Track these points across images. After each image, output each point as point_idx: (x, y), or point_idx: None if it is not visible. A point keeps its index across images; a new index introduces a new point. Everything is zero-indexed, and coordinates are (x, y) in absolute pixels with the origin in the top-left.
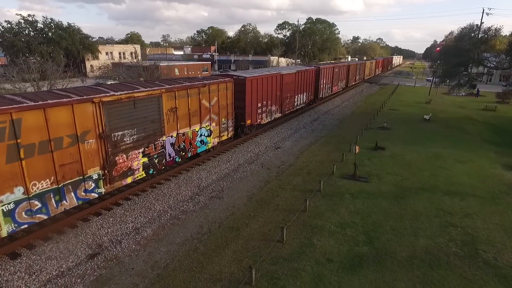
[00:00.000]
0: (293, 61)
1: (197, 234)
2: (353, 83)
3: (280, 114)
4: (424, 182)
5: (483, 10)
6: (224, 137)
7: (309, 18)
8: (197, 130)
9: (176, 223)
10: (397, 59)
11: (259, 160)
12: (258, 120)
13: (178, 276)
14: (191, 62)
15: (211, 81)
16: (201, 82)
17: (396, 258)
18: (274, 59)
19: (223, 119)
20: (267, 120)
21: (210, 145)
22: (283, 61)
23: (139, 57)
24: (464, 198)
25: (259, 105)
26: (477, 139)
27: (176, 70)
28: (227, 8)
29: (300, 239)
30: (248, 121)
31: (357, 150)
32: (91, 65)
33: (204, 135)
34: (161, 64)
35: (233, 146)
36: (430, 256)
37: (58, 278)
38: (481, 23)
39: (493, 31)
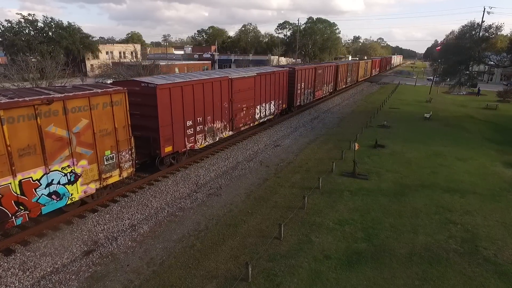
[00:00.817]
0: (294, 60)
1: (194, 231)
2: (344, 86)
3: (230, 132)
4: (424, 179)
5: (484, 9)
6: (113, 179)
7: (310, 18)
8: (36, 177)
9: (173, 220)
10: (396, 59)
11: (258, 157)
12: (189, 145)
13: (173, 273)
14: (191, 62)
15: (75, 93)
16: (41, 97)
17: (395, 255)
18: (274, 58)
19: (106, 152)
20: (206, 143)
21: (76, 196)
22: (283, 60)
23: (139, 57)
24: (464, 195)
25: (189, 123)
26: (477, 137)
27: (176, 70)
28: (227, 8)
29: (298, 236)
30: (168, 148)
31: (356, 148)
32: (91, 65)
33: (58, 183)
34: (161, 63)
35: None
36: (430, 253)
37: (53, 275)
38: (482, 21)
39: (494, 29)
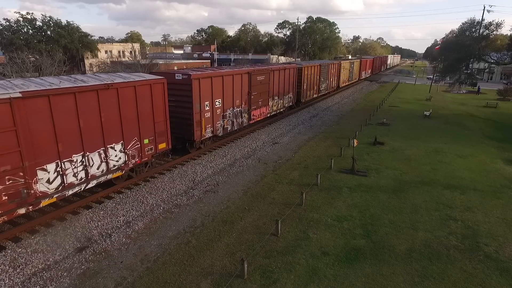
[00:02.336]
0: (293, 59)
1: (189, 227)
2: (315, 96)
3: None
4: (423, 176)
5: (484, 7)
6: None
7: (309, 17)
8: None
9: (168, 216)
10: (394, 59)
11: (256, 155)
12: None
13: (168, 270)
14: (190, 61)
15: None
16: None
17: (394, 251)
18: (274, 57)
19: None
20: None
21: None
22: (283, 59)
23: (139, 56)
24: (464, 192)
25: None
26: (478, 134)
27: (175, 68)
28: (227, 8)
29: (296, 232)
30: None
31: (355, 144)
32: (90, 64)
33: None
34: (160, 62)
35: (229, 141)
36: (430, 250)
37: (44, 272)
38: (482, 19)
39: (495, 26)
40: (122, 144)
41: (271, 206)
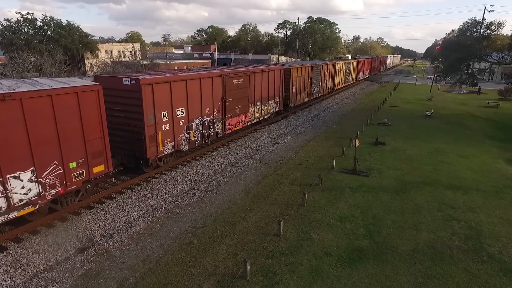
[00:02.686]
0: (294, 59)
1: (191, 228)
2: (306, 100)
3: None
4: (425, 176)
5: (485, 7)
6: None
7: (310, 17)
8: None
9: (170, 217)
10: (393, 59)
11: (257, 155)
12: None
13: (170, 270)
14: (191, 61)
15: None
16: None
17: (397, 252)
18: (274, 57)
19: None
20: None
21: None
22: (283, 59)
23: (139, 56)
24: (467, 192)
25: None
26: (479, 134)
27: (176, 68)
28: (227, 8)
29: (298, 232)
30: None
31: (357, 144)
32: (90, 64)
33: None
34: (160, 62)
35: (230, 142)
36: (433, 250)
37: (46, 272)
38: (483, 19)
39: (496, 26)
40: (32, 171)
41: (273, 207)
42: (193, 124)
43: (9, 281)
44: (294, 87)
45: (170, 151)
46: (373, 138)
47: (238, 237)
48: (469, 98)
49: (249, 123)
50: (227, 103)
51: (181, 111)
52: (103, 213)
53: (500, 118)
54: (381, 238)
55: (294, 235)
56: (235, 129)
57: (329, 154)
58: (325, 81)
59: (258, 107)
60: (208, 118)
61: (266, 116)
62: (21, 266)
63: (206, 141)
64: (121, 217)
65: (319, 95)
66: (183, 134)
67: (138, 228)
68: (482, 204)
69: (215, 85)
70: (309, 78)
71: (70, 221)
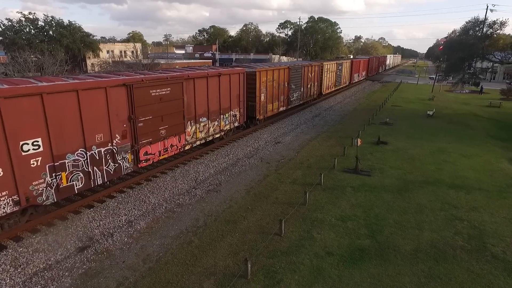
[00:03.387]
0: (295, 59)
1: (192, 227)
2: (282, 109)
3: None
4: (428, 176)
5: (487, 7)
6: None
7: (311, 17)
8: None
9: (171, 216)
10: (393, 59)
11: (258, 154)
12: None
13: (170, 269)
14: (192, 60)
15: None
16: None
17: (399, 252)
18: (275, 57)
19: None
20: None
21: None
22: (284, 59)
23: (140, 55)
24: (470, 191)
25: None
26: (482, 134)
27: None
28: (228, 8)
29: (299, 232)
30: (260, 113)
31: (359, 143)
32: (92, 63)
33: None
34: (161, 62)
35: (232, 141)
36: (436, 250)
37: (45, 271)
38: (485, 18)
39: (499, 25)
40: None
41: (274, 206)
42: (66, 161)
43: (8, 280)
44: (263, 95)
45: (9, 211)
46: (375, 138)
47: (239, 236)
48: (471, 97)
49: (187, 147)
50: (140, 124)
51: (36, 145)
52: (104, 212)
53: (503, 117)
54: (383, 237)
55: (295, 234)
56: (161, 158)
57: (331, 153)
58: (308, 86)
59: (203, 124)
60: (103, 149)
61: (218, 135)
62: (20, 265)
63: (101, 182)
64: (122, 216)
65: (301, 102)
66: (41, 180)
67: (138, 227)
68: (485, 203)
69: (112, 98)
70: (286, 83)
71: (70, 220)
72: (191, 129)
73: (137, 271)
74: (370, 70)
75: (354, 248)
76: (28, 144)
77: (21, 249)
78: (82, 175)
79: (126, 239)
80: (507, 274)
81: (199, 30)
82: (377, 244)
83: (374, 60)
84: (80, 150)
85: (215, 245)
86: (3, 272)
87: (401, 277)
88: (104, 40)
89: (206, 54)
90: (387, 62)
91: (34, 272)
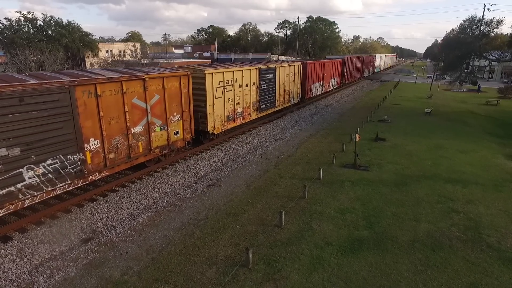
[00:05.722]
0: (294, 59)
1: (193, 219)
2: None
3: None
4: (425, 170)
5: (485, 6)
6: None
7: (310, 17)
8: None
9: (172, 209)
10: (386, 59)
11: (258, 150)
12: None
13: (173, 259)
14: (191, 60)
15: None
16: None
17: (397, 242)
18: (274, 56)
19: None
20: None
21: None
22: (283, 59)
23: (139, 55)
24: (466, 185)
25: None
26: (479, 131)
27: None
28: (226, 8)
29: (299, 224)
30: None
31: (357, 139)
32: (91, 63)
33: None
34: (160, 61)
35: (232, 137)
36: (432, 240)
37: (51, 262)
38: (483, 17)
39: (496, 23)
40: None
41: (274, 199)
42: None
43: (15, 270)
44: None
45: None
46: (373, 135)
47: (240, 228)
48: (469, 96)
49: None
50: None
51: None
52: (106, 205)
53: (500, 115)
54: (381, 228)
55: (295, 226)
56: None
57: (330, 149)
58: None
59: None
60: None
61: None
62: (26, 255)
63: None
64: (124, 210)
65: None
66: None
67: (140, 220)
68: (481, 197)
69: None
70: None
71: (73, 213)
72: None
73: (140, 261)
74: (349, 74)
75: (353, 238)
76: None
77: (26, 240)
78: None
79: (129, 231)
80: (501, 263)
81: (197, 30)
82: (375, 235)
83: (351, 61)
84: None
85: (216, 237)
86: (9, 262)
87: (399, 266)
88: (102, 40)
89: (205, 54)
90: (377, 63)
91: (40, 263)
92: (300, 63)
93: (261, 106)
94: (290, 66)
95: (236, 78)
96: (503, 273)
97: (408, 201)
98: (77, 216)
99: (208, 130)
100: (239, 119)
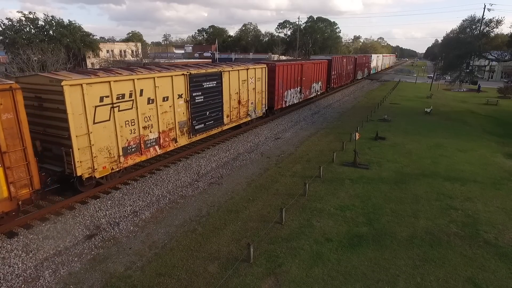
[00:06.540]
0: (294, 59)
1: (195, 216)
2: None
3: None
4: (424, 169)
5: (485, 6)
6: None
7: (310, 17)
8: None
9: (174, 206)
10: (383, 60)
11: (258, 149)
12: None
13: (175, 255)
14: (191, 60)
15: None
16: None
17: (396, 238)
18: (275, 56)
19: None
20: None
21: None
22: (283, 59)
23: (140, 55)
24: (465, 183)
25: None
26: (478, 130)
27: None
28: (226, 8)
29: (299, 220)
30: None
31: (357, 137)
32: (92, 63)
33: None
34: (161, 61)
35: (232, 136)
36: (431, 236)
37: (56, 257)
38: (482, 18)
39: (495, 23)
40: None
41: (275, 197)
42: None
43: (20, 264)
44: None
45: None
46: (373, 134)
47: (241, 225)
48: (469, 96)
49: None
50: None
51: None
52: (109, 202)
53: (500, 115)
54: (380, 225)
55: (295, 222)
56: None
57: (330, 148)
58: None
59: None
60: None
61: None
62: (31, 251)
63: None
64: (127, 207)
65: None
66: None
67: (143, 216)
68: (480, 194)
69: None
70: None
71: (77, 210)
72: None
73: (143, 256)
74: (339, 78)
75: (352, 234)
76: None
77: (31, 236)
78: None
79: (132, 227)
80: (498, 258)
81: (198, 30)
82: (374, 231)
83: (343, 62)
84: None
85: (218, 233)
86: (15, 257)
87: (397, 260)
88: (103, 40)
89: (205, 54)
90: (374, 64)
91: (45, 257)
92: (264, 66)
93: (196, 127)
94: (248, 69)
95: (141, 90)
96: (499, 267)
97: (407, 198)
98: (81, 212)
99: (78, 174)
100: (151, 148)
